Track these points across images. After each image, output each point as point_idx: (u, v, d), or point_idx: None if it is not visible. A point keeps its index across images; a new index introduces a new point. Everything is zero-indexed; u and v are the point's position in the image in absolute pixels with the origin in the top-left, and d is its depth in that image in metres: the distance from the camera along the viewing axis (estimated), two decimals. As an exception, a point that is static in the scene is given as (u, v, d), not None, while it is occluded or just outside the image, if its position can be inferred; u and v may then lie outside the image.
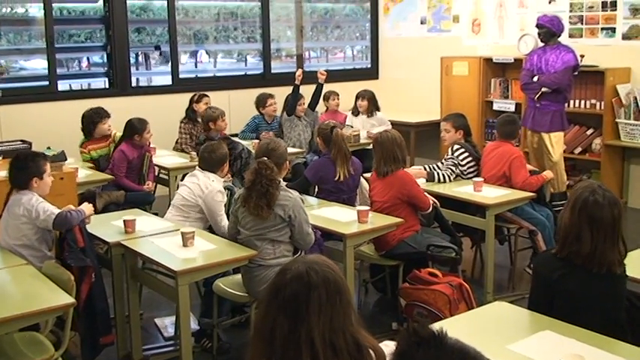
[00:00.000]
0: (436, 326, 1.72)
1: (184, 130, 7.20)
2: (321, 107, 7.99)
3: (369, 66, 9.90)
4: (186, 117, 7.26)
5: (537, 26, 6.63)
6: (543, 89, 6.51)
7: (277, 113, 7.60)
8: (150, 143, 6.23)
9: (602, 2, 7.30)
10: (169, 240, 4.02)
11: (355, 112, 7.84)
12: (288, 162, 4.31)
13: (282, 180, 4.01)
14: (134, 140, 6.00)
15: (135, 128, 6.00)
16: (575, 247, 2.84)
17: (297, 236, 3.91)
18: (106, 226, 4.31)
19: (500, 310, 3.05)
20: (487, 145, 5.76)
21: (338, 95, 8.01)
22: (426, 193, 4.83)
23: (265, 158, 3.94)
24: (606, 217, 2.80)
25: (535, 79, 6.60)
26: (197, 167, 4.80)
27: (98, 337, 3.88)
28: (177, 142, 7.26)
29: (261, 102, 7.55)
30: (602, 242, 2.80)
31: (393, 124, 7.84)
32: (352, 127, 7.58)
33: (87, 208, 4.07)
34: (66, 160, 5.35)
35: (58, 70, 7.77)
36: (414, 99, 9.13)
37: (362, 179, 5.37)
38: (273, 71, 9.04)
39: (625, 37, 7.18)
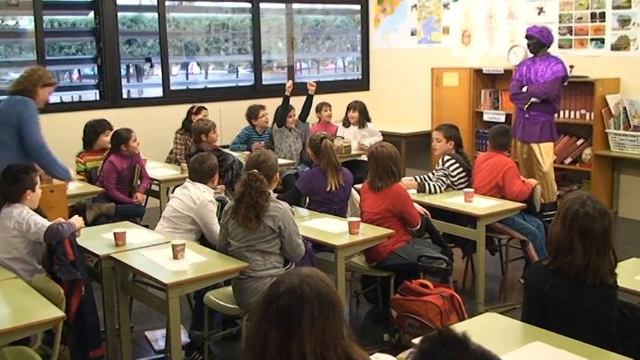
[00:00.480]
0: (460, 329, 1.75)
1: (180, 140, 7.17)
2: (313, 118, 8.00)
3: (360, 77, 9.93)
4: (182, 128, 7.24)
5: (527, 37, 6.67)
6: (532, 99, 6.54)
7: (269, 124, 7.60)
8: (140, 153, 6.20)
9: (591, 13, 7.35)
10: (160, 252, 4.00)
11: (346, 123, 7.84)
12: (278, 174, 4.31)
13: (272, 191, 4.02)
14: (122, 150, 5.98)
15: (120, 137, 5.98)
16: (568, 259, 2.84)
17: (287, 247, 3.90)
18: (96, 239, 4.29)
19: (491, 321, 3.05)
20: (479, 156, 5.78)
21: (330, 106, 8.01)
22: (417, 205, 4.84)
23: (255, 170, 3.95)
24: (597, 228, 2.81)
25: (524, 89, 6.62)
26: (187, 179, 4.80)
27: (88, 350, 3.86)
28: (171, 153, 7.23)
29: (252, 113, 7.54)
30: (595, 254, 2.81)
31: (384, 134, 7.86)
32: (343, 138, 7.59)
33: (77, 220, 4.06)
34: (56, 172, 5.32)
35: (49, 82, 7.76)
36: (405, 110, 9.16)
37: (353, 190, 5.37)
38: (264, 82, 9.05)
39: (614, 47, 7.22)
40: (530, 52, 6.71)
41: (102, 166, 6.03)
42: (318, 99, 7.98)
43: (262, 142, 7.37)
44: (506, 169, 5.30)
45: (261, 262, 3.86)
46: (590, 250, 2.81)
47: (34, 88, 4.90)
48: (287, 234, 3.86)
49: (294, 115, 7.46)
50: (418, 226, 4.67)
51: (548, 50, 6.68)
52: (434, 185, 5.35)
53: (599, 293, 2.85)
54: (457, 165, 5.41)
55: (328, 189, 5.07)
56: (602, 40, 7.30)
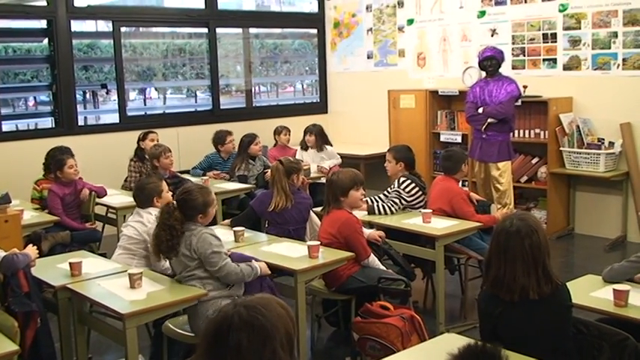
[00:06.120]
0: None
1: (134, 168, 7.10)
2: (270, 142, 8.01)
3: (318, 100, 9.97)
4: (135, 155, 7.19)
5: (487, 59, 6.69)
6: (489, 120, 6.63)
7: (235, 150, 7.55)
8: (81, 179, 6.09)
9: (543, 34, 7.49)
10: (116, 282, 3.94)
11: (304, 146, 7.86)
12: (211, 209, 4.05)
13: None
14: (57, 177, 5.89)
15: (55, 164, 5.90)
16: (490, 274, 2.97)
17: (210, 269, 3.85)
18: (52, 269, 4.21)
19: (450, 341, 3.05)
20: (436, 178, 5.83)
21: (289, 131, 8.00)
22: (371, 231, 4.86)
23: (171, 203, 3.96)
24: (515, 245, 2.90)
25: (480, 110, 6.71)
26: (136, 207, 4.78)
27: (45, 383, 3.78)
28: (126, 181, 7.15)
29: (220, 139, 7.49)
30: (510, 269, 2.90)
31: (343, 157, 7.91)
32: (302, 161, 7.57)
33: (31, 251, 3.97)
34: (10, 202, 5.22)
35: (4, 110, 7.65)
36: (363, 132, 9.23)
37: (312, 214, 5.37)
38: (222, 107, 9.03)
39: (566, 67, 7.37)
40: (491, 73, 6.74)
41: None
42: (277, 122, 7.99)
43: (221, 172, 7.32)
44: (451, 197, 5.32)
45: (200, 288, 3.85)
46: (505, 265, 2.91)
47: None
48: (203, 257, 3.84)
49: (260, 143, 7.43)
50: (367, 259, 4.60)
51: (500, 70, 6.79)
52: (383, 206, 5.34)
53: (543, 310, 2.90)
54: (413, 185, 5.43)
55: (271, 208, 5.12)
56: (555, 60, 7.44)
